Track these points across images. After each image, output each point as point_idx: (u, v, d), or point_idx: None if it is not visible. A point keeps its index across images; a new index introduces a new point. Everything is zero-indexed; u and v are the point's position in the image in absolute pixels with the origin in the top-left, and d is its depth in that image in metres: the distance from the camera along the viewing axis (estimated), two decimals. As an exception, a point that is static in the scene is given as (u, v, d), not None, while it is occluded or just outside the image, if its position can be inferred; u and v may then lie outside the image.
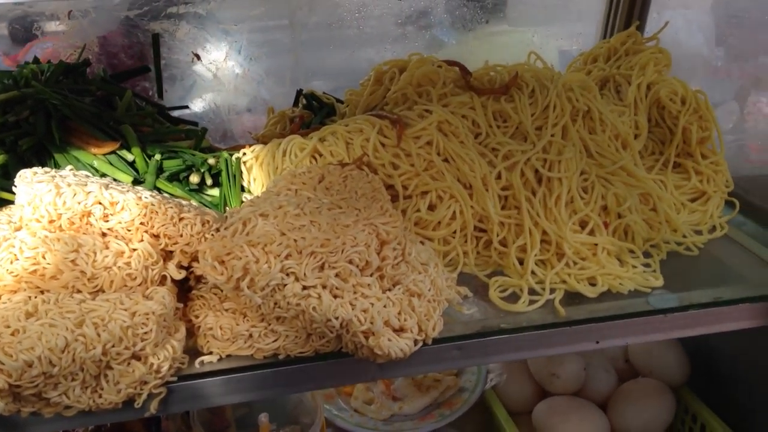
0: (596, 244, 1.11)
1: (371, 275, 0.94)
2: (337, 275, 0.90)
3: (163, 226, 0.91)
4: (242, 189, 1.19)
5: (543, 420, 1.41)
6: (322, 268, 0.90)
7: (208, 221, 0.94)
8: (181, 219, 0.92)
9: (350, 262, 0.91)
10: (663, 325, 1.04)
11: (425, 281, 0.98)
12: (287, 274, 0.88)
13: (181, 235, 0.92)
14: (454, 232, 1.12)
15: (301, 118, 1.37)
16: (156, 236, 0.91)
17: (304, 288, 0.89)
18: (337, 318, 0.88)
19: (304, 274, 0.88)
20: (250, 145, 1.23)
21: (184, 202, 0.99)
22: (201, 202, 1.15)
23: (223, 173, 1.16)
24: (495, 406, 1.44)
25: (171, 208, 0.92)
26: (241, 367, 0.92)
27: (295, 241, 0.89)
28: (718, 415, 1.40)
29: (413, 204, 1.13)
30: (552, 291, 1.06)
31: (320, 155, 1.19)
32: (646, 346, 1.49)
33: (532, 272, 1.09)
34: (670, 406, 1.44)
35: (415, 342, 0.93)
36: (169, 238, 0.91)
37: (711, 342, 1.44)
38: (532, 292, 1.06)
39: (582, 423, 1.39)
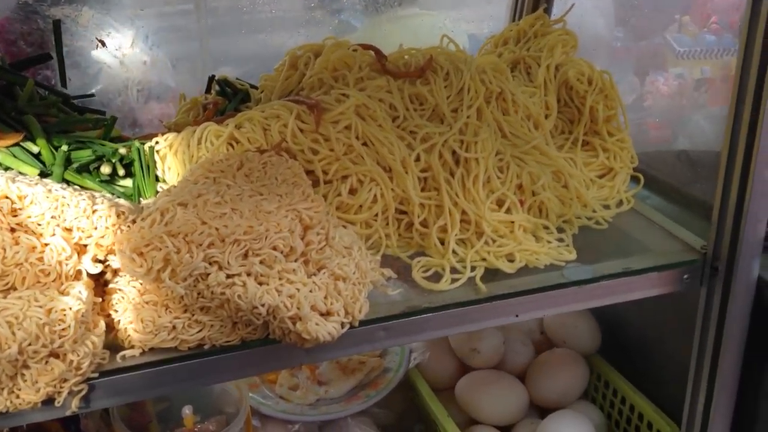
0: (513, 222, 1.15)
1: (296, 261, 0.94)
2: (261, 262, 0.90)
3: (75, 219, 0.88)
4: (156, 179, 1.16)
5: (465, 394, 1.45)
6: (246, 255, 0.89)
7: (123, 212, 0.91)
8: (94, 211, 0.89)
9: (274, 248, 0.90)
10: (578, 296, 1.08)
11: (350, 264, 0.99)
12: (210, 263, 0.87)
13: (96, 228, 0.89)
14: (376, 215, 1.13)
15: (215, 105, 1.35)
16: (69, 230, 0.88)
17: (229, 276, 0.88)
18: (263, 305, 0.87)
19: (228, 262, 0.87)
20: (163, 134, 1.20)
21: (96, 194, 0.95)
22: (113, 194, 1.11)
23: (136, 163, 1.12)
24: (419, 384, 1.47)
25: (83, 200, 0.89)
26: (166, 360, 0.90)
27: (217, 229, 0.88)
28: (628, 379, 1.48)
29: (334, 188, 1.13)
30: (473, 269, 1.09)
31: (237, 142, 1.17)
32: (560, 318, 1.55)
33: (453, 251, 1.11)
34: (584, 373, 1.50)
35: (342, 325, 0.93)
36: (82, 232, 0.88)
37: (620, 311, 1.51)
38: (453, 270, 1.09)
39: (502, 394, 1.44)
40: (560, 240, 1.17)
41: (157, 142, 1.18)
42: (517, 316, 1.06)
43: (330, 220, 1.01)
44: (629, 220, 1.27)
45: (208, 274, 0.87)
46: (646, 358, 1.48)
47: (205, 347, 0.91)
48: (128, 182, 1.13)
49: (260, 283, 0.89)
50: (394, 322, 1.00)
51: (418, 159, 1.17)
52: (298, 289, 0.90)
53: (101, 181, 1.12)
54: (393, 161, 1.15)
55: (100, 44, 1.38)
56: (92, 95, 1.39)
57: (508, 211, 1.17)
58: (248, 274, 0.89)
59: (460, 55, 1.36)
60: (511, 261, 1.11)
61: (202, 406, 1.38)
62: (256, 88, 1.44)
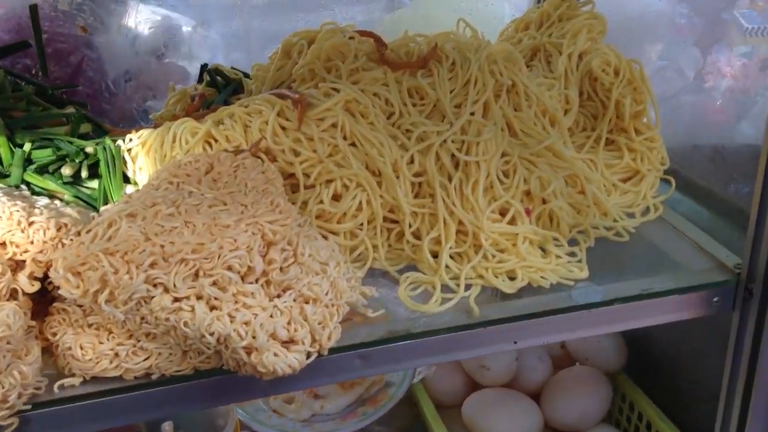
0: (517, 234, 1.02)
1: (257, 281, 0.83)
2: (214, 284, 0.79)
3: (8, 232, 0.79)
4: (129, 180, 1.07)
5: (472, 414, 1.33)
6: (196, 276, 0.79)
7: (66, 224, 0.82)
8: (30, 223, 0.80)
9: (229, 268, 0.80)
10: (586, 321, 0.95)
11: (322, 284, 0.87)
12: (154, 285, 0.77)
13: (32, 242, 0.79)
14: (362, 224, 1.02)
15: (202, 97, 1.24)
16: (2, 244, 0.79)
17: (176, 300, 0.78)
18: (212, 333, 0.77)
19: (174, 284, 0.77)
20: (137, 129, 1.10)
21: (40, 202, 0.86)
22: (78, 197, 1.02)
23: (101, 163, 1.03)
24: (423, 401, 1.36)
25: (17, 211, 0.80)
26: (109, 390, 0.81)
27: (162, 246, 0.78)
28: (655, 401, 1.34)
29: (316, 194, 1.02)
30: (468, 287, 0.97)
31: (216, 141, 1.07)
32: (582, 332, 1.41)
33: (447, 267, 0.99)
34: (607, 394, 1.37)
35: (308, 354, 0.82)
36: (17, 246, 0.79)
37: (649, 327, 1.37)
38: (446, 289, 0.97)
39: (513, 416, 1.31)
40: (572, 254, 1.04)
41: (130, 140, 1.09)
42: (515, 342, 0.94)
43: (302, 233, 0.90)
44: (655, 231, 1.13)
45: (152, 297, 0.77)
46: (677, 379, 1.34)
47: (154, 377, 0.82)
48: (96, 183, 1.04)
49: (212, 308, 0.79)
50: (372, 349, 0.89)
51: (412, 161, 1.05)
52: (255, 315, 0.79)
53: (65, 183, 1.03)
54: (383, 164, 1.03)
55: (81, 30, 1.29)
56: (75, 86, 1.30)
57: (512, 221, 1.04)
58: (198, 298, 0.78)
59: (471, 43, 1.23)
60: (512, 279, 0.98)
61: (192, 417, 1.30)
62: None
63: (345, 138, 1.05)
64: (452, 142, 1.06)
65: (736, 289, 1.00)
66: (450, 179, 1.04)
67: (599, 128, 1.22)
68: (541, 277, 0.98)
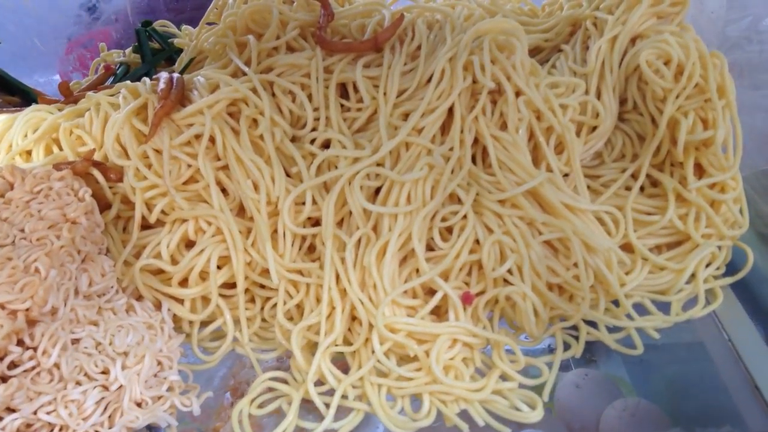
0: (438, 335, 0.65)
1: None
2: None
3: None
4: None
5: None
6: None
7: None
8: None
9: None
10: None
11: (87, 399, 0.58)
12: None
13: None
14: (223, 284, 0.70)
15: (108, 69, 0.96)
16: None
17: None
18: None
19: None
20: (-8, 115, 0.84)
21: None
22: None
23: None
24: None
25: None
26: None
27: None
28: None
29: (157, 241, 0.70)
30: (343, 413, 0.63)
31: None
32: None
33: (322, 375, 0.65)
34: None
35: None
36: None
37: None
38: (308, 413, 0.64)
39: None
40: (533, 374, 0.66)
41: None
42: None
43: (58, 323, 0.60)
44: (697, 341, 0.71)
45: None
46: None
47: None
48: None
49: None
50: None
51: (305, 201, 0.71)
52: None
53: None
54: (255, 203, 0.69)
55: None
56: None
57: (441, 312, 0.67)
58: None
59: (469, 16, 0.84)
60: (416, 409, 0.63)
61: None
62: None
63: (218, 158, 0.72)
64: (375, 176, 0.70)
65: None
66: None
67: (641, 158, 0.79)
68: (461, 412, 0.62)
